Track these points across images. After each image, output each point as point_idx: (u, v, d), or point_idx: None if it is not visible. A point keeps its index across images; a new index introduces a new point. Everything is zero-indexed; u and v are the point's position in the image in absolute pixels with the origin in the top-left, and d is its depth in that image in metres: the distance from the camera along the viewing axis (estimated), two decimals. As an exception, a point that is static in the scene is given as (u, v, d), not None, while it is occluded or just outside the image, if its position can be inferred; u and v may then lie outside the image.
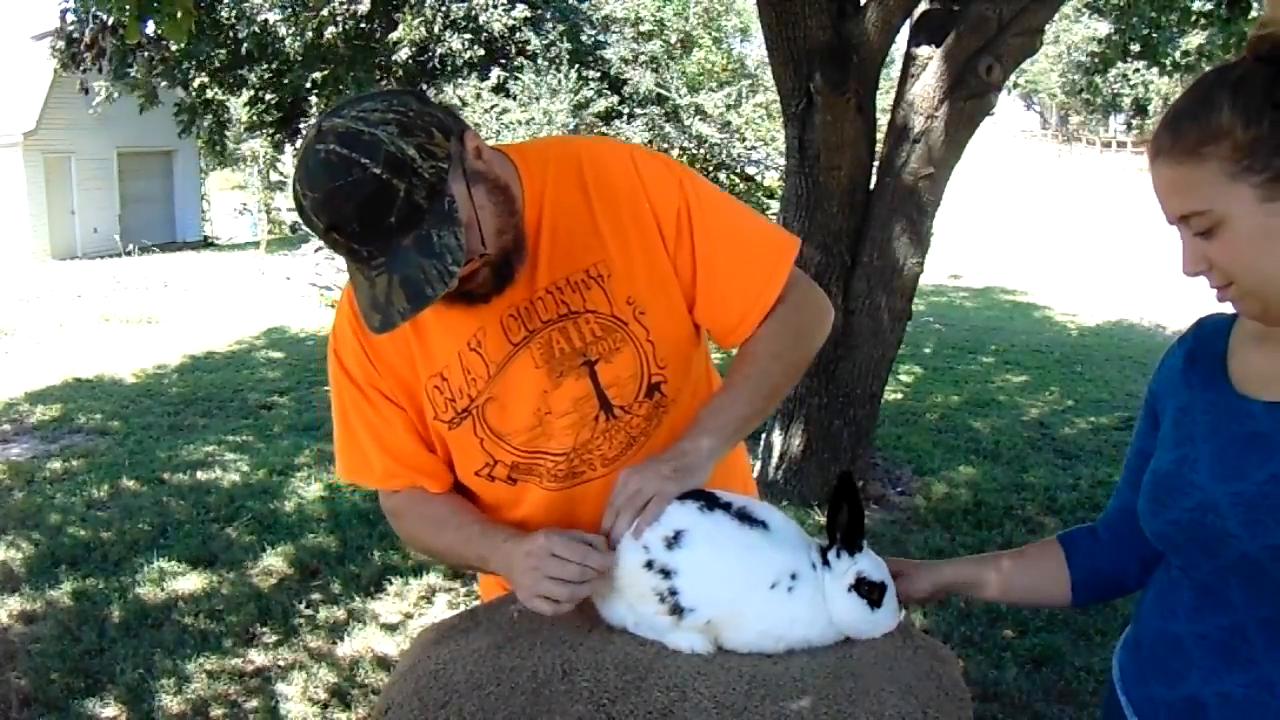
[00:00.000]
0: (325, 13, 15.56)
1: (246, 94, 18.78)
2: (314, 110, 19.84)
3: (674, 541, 1.19)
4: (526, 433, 1.34)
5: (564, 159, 1.34)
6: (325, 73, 17.40)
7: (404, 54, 16.65)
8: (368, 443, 1.38)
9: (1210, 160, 0.95)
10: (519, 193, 1.28)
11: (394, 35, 16.54)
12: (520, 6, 16.87)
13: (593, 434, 1.34)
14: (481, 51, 17.17)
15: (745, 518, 1.22)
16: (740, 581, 1.19)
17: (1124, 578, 1.23)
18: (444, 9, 16.78)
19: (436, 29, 16.72)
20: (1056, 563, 1.26)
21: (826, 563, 1.21)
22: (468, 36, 17.00)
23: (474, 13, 16.85)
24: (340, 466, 1.43)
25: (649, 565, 1.20)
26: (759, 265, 1.38)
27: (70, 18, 15.65)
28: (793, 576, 1.19)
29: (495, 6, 16.87)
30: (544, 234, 1.30)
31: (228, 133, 20.01)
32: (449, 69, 17.58)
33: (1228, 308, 1.07)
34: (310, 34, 15.80)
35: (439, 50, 16.94)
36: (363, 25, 16.33)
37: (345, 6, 15.77)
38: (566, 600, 1.19)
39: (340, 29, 16.01)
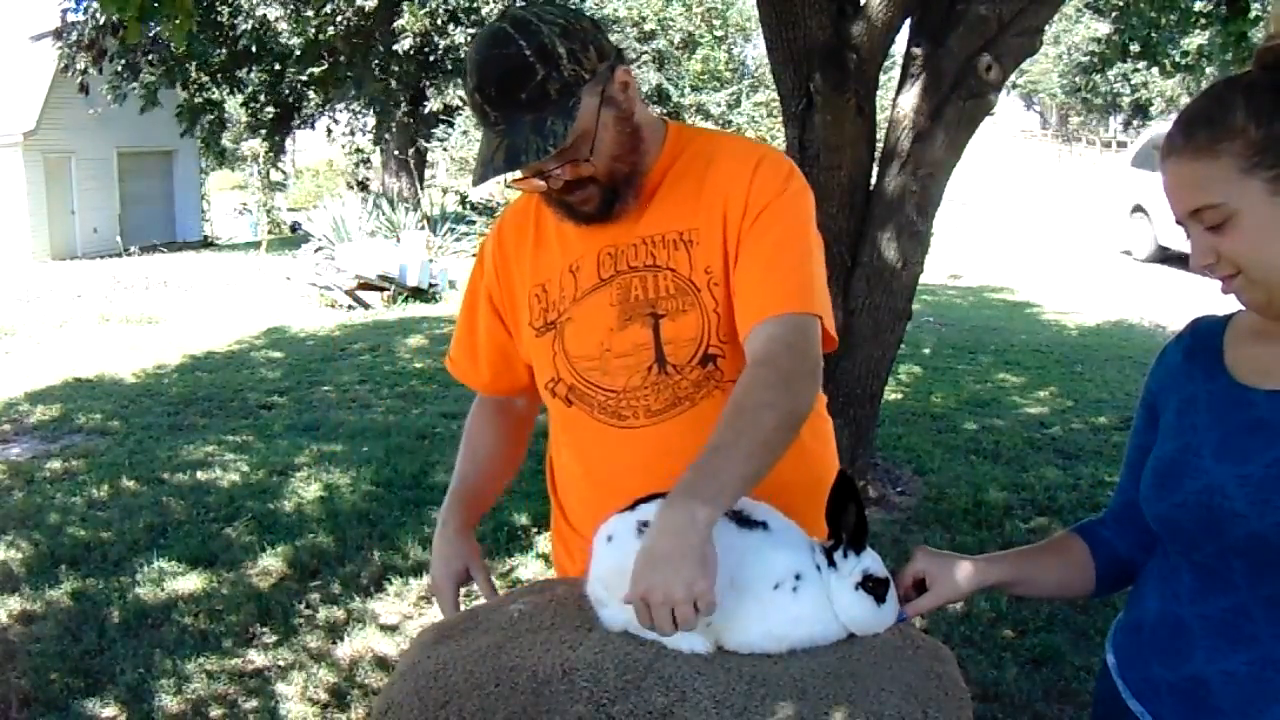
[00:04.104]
0: (328, 10, 15.56)
1: (244, 94, 18.78)
2: (312, 106, 19.85)
3: None
4: (588, 361, 1.44)
5: (712, 138, 1.51)
6: (324, 69, 17.40)
7: (406, 44, 16.60)
8: (474, 345, 1.60)
9: (1224, 156, 1.02)
10: (654, 149, 1.43)
11: (397, 24, 16.52)
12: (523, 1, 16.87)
13: (643, 382, 1.41)
14: None
15: (744, 520, 1.23)
16: (743, 582, 1.19)
17: (1134, 567, 1.27)
18: (447, 2, 16.75)
19: (440, 20, 16.70)
20: (1082, 554, 1.30)
21: (832, 562, 1.22)
22: (470, 31, 17.00)
23: (476, 4, 16.84)
24: (450, 359, 1.66)
25: None
26: (788, 282, 1.37)
27: (71, 17, 15.68)
28: (797, 577, 1.20)
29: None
30: (660, 191, 1.43)
31: (227, 132, 20.01)
32: (451, 65, 17.57)
33: (1221, 309, 1.14)
34: (313, 30, 15.81)
35: (442, 44, 16.92)
36: (363, 23, 16.33)
37: (350, 3, 15.77)
38: None
39: (341, 28, 16.03)
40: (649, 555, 1.13)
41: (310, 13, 15.48)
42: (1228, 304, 1.16)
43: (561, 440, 1.55)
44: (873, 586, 1.21)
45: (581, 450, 1.50)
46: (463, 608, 1.52)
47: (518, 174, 1.37)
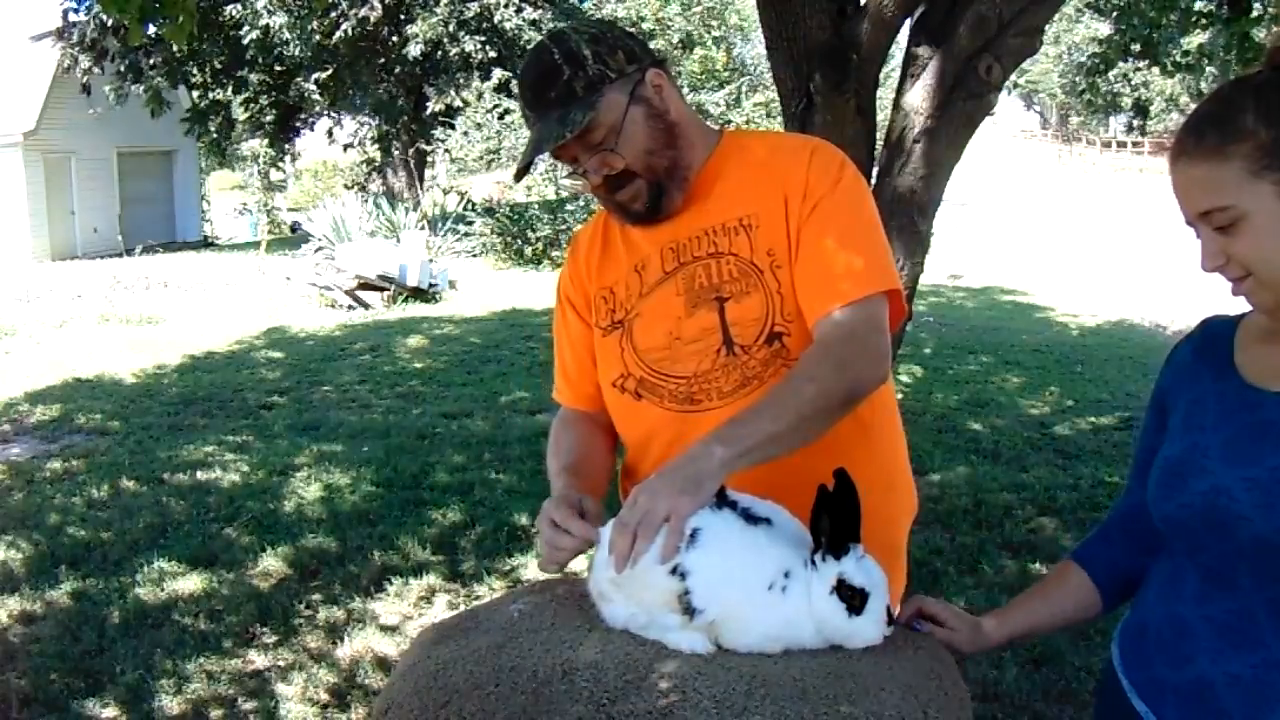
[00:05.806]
0: (333, 16, 15.57)
1: (245, 94, 18.77)
2: (314, 110, 19.87)
3: (690, 541, 1.18)
4: (657, 352, 1.49)
5: (765, 135, 1.63)
6: (327, 74, 17.42)
7: (414, 51, 16.61)
8: (564, 359, 1.65)
9: (1234, 159, 1.02)
10: (702, 148, 1.51)
11: (409, 30, 16.53)
12: (528, 8, 16.89)
13: (712, 365, 1.45)
14: (494, 53, 17.18)
15: (751, 517, 1.22)
16: (744, 581, 1.18)
17: (1140, 572, 1.26)
18: (458, 10, 16.78)
19: (452, 28, 16.73)
20: (1084, 583, 1.30)
21: (814, 563, 1.19)
22: (480, 38, 17.01)
23: (489, 12, 16.86)
24: (555, 388, 1.68)
25: (674, 570, 1.18)
26: (850, 270, 1.40)
27: (72, 17, 15.68)
28: (785, 575, 1.18)
29: (508, 5, 16.90)
30: (717, 185, 1.51)
31: (231, 133, 20.03)
32: (453, 69, 17.58)
33: (1232, 309, 1.13)
34: (319, 37, 15.82)
35: (453, 50, 16.93)
36: (368, 29, 16.34)
37: (355, 11, 15.79)
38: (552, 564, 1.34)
39: (347, 34, 16.03)
40: (661, 469, 1.26)
41: (314, 24, 15.49)
42: (1234, 304, 1.16)
43: (629, 441, 1.57)
44: (847, 594, 1.16)
45: (653, 442, 1.51)
46: (461, 608, 1.52)
47: (566, 170, 1.50)
